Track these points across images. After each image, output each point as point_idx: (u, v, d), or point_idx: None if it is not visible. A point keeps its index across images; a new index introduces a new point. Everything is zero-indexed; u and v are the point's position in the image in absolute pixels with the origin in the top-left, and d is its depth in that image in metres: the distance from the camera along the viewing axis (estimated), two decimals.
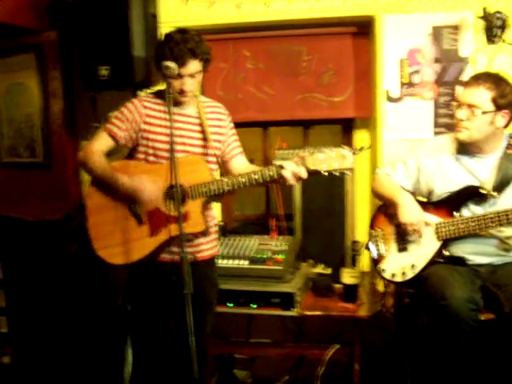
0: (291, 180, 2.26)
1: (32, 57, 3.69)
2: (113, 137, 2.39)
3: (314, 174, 2.26)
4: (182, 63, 2.26)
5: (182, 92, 2.35)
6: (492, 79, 2.48)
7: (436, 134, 3.18)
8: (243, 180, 2.31)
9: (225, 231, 3.38)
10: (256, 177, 2.29)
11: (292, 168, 2.24)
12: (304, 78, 3.49)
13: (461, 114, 2.52)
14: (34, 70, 3.70)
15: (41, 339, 3.53)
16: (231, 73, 3.57)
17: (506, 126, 2.53)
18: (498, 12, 2.97)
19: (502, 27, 2.95)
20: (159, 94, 2.48)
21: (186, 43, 2.26)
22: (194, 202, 2.33)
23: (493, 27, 2.95)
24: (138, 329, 2.52)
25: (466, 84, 2.58)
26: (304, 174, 2.24)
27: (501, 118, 2.49)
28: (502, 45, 3.00)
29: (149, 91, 2.58)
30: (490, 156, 2.58)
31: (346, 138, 3.67)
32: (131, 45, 2.98)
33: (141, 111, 2.40)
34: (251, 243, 3.16)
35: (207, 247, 2.54)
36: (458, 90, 3.08)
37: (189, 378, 1.95)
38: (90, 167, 2.38)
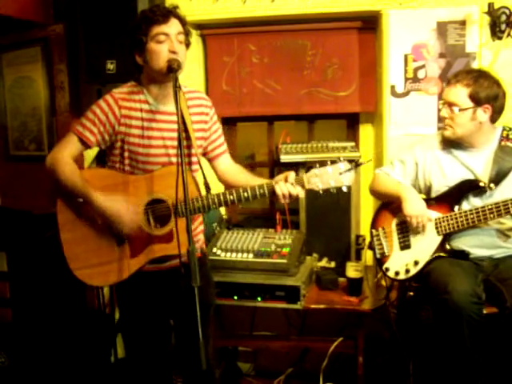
0: (283, 200, 2.14)
1: (38, 50, 3.71)
2: (84, 142, 2.17)
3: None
4: (165, 20, 2.08)
5: (173, 53, 2.07)
6: (470, 76, 2.53)
7: (440, 129, 3.18)
8: (231, 197, 2.14)
9: (229, 224, 3.39)
10: (246, 195, 2.14)
11: (284, 190, 2.12)
12: (309, 73, 3.50)
13: (443, 112, 2.62)
14: (40, 63, 3.72)
15: (43, 332, 3.56)
16: (236, 67, 3.57)
17: (493, 119, 2.56)
18: (504, 7, 2.96)
19: (508, 22, 2.94)
20: (137, 83, 2.22)
21: (164, 7, 2.17)
22: (179, 219, 2.09)
23: (498, 22, 2.96)
24: (132, 343, 2.42)
25: (447, 83, 2.65)
26: (301, 195, 2.15)
27: (482, 113, 2.52)
28: (507, 40, 3.00)
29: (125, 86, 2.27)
30: (483, 149, 2.62)
31: (350, 133, 3.68)
32: None
33: (116, 112, 2.16)
34: (256, 236, 3.16)
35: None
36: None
37: (197, 369, 1.91)
38: (58, 177, 2.16)
